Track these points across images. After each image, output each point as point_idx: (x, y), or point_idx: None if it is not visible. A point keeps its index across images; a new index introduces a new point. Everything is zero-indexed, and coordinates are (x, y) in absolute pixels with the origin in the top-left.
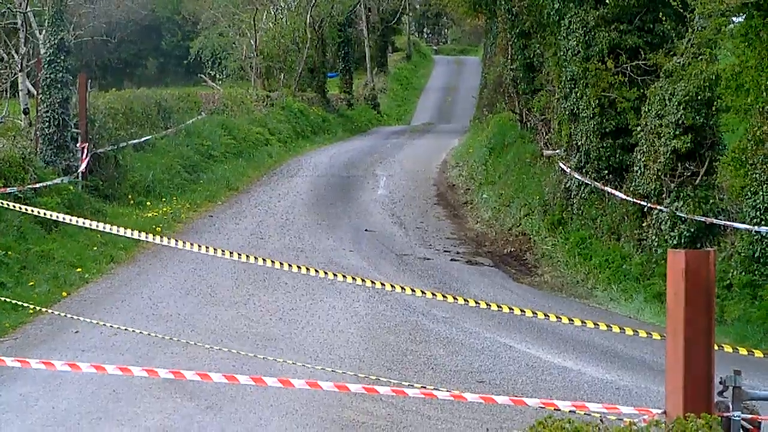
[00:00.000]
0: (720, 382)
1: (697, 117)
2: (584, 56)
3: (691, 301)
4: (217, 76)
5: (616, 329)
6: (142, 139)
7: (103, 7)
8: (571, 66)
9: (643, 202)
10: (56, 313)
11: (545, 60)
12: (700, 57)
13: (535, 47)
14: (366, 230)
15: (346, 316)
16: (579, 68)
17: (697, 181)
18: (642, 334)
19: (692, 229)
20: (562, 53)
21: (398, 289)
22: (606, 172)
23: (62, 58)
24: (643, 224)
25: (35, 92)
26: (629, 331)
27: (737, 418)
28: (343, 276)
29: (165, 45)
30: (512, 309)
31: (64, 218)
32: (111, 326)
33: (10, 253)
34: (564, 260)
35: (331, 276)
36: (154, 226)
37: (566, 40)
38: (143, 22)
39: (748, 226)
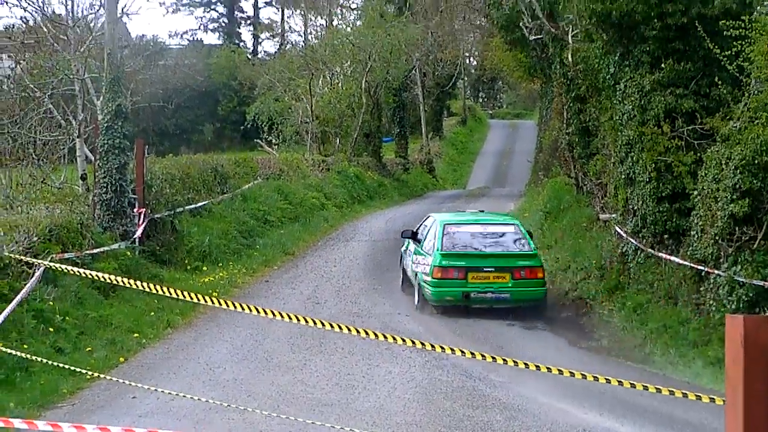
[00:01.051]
0: None
1: (755, 181)
2: (640, 120)
3: (750, 366)
4: (273, 141)
5: (678, 394)
6: (199, 204)
7: (160, 74)
8: (626, 130)
9: (700, 267)
10: (113, 378)
11: (601, 124)
12: (757, 121)
13: (591, 111)
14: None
15: (403, 381)
16: (635, 132)
17: (755, 246)
18: (704, 399)
19: (750, 294)
20: (617, 117)
21: (458, 353)
22: (663, 236)
23: (120, 124)
24: (701, 289)
25: (93, 158)
26: (691, 396)
27: None
28: (397, 339)
29: (221, 110)
30: (573, 373)
31: (121, 281)
32: (168, 392)
33: (68, 318)
34: (621, 325)
35: (390, 339)
36: (210, 291)
37: (622, 105)
38: (200, 88)
39: None
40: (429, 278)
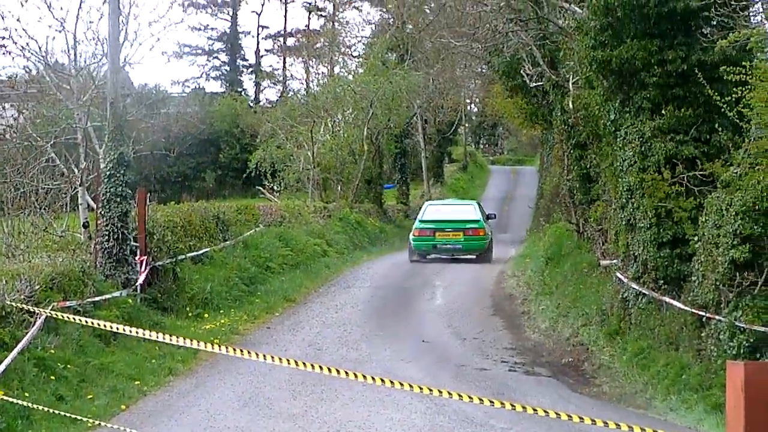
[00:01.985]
0: None
1: (755, 227)
2: (641, 167)
3: (751, 412)
4: (275, 188)
5: None
6: (201, 251)
7: (162, 122)
8: (627, 176)
9: (701, 312)
10: (115, 426)
11: (601, 170)
12: (757, 167)
13: (592, 158)
14: (423, 341)
15: (404, 428)
16: (635, 179)
17: (756, 291)
18: None
19: (752, 340)
20: (618, 164)
21: (455, 397)
22: (663, 282)
23: (122, 172)
24: (702, 334)
25: (95, 206)
26: None
27: None
28: (395, 384)
29: (223, 158)
30: (570, 417)
31: (123, 329)
32: None
33: (69, 366)
34: (622, 370)
35: (389, 384)
36: (211, 338)
37: (622, 151)
38: (202, 136)
39: None
40: (412, 236)
